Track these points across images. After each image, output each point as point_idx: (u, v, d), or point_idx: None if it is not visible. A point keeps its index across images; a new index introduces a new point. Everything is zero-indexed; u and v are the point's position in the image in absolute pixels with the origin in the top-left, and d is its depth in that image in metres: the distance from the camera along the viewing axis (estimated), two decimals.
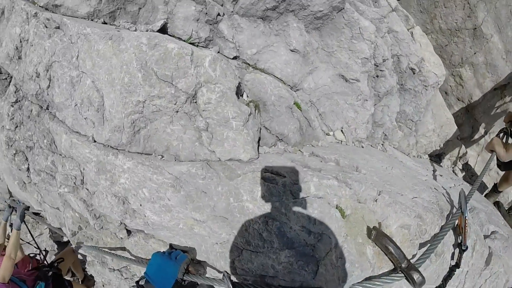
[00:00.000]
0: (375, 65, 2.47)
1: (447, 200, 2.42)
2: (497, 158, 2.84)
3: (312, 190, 1.77)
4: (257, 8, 2.35)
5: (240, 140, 1.94)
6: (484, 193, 4.13)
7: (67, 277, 3.76)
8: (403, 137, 2.85)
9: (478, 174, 4.07)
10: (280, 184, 1.75)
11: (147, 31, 2.18)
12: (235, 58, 2.49)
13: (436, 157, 3.38)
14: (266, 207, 1.71)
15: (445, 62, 3.87)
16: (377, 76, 2.52)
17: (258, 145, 2.21)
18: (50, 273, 3.25)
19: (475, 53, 3.86)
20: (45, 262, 3.57)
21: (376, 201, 1.97)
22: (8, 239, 3.17)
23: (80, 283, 4.17)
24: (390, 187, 2.08)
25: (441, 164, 3.34)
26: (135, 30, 2.20)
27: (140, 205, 1.95)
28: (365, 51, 2.39)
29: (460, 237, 2.18)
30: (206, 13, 2.25)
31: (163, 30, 2.23)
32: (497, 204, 3.32)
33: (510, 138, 2.88)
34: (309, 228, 1.70)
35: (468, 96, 4.06)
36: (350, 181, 1.95)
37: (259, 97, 2.32)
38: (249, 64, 2.50)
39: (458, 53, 3.84)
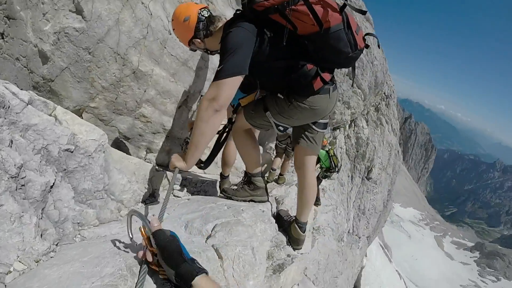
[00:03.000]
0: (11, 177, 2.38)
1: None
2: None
3: None
4: None
5: None
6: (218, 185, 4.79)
7: None
8: (96, 211, 2.98)
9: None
10: None
11: None
12: None
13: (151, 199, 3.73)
14: None
15: (124, 112, 4.24)
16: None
17: None
18: None
19: (145, 91, 4.41)
20: None
21: None
22: None
23: None
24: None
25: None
26: None
27: None
28: None
29: None
30: None
31: None
32: (224, 191, 3.82)
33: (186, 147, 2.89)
34: None
35: (160, 125, 4.66)
36: None
37: None
38: None
39: (131, 99, 4.25)
